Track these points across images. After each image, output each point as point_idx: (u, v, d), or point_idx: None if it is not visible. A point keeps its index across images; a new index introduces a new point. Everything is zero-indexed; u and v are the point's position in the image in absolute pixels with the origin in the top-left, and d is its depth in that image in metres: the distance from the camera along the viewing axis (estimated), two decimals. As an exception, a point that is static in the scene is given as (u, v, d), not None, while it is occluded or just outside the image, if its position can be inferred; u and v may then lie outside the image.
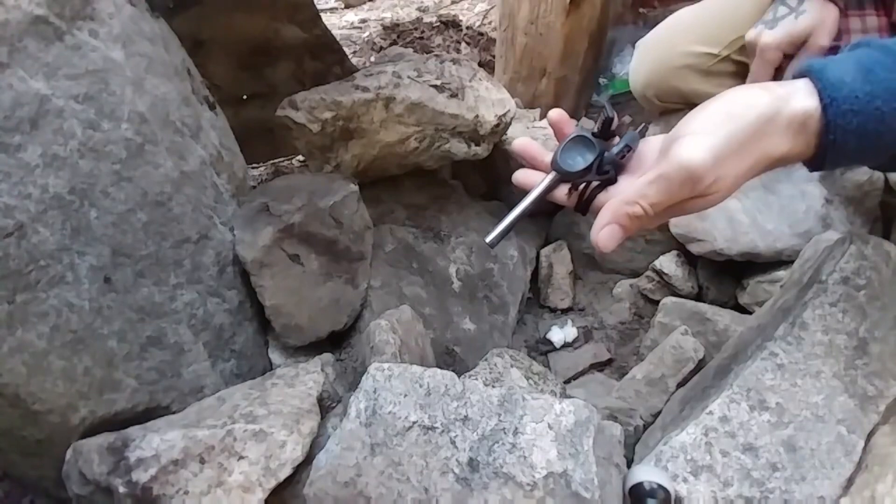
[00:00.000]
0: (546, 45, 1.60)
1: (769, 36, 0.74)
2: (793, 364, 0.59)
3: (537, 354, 1.09)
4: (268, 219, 0.83)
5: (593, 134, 0.55)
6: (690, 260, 1.05)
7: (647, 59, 1.04)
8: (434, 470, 0.56)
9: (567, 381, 1.01)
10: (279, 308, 0.83)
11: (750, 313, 0.79)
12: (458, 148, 1.05)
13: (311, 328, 0.87)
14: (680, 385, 0.79)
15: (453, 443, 0.57)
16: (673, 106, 1.04)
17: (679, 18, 1.03)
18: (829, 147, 0.45)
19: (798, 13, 0.73)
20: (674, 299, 1.03)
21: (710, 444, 0.58)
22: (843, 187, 0.92)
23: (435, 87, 0.99)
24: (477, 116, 1.01)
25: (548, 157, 0.56)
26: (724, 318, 0.95)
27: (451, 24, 2.44)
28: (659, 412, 0.75)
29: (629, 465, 0.61)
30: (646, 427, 0.73)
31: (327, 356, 0.84)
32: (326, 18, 1.80)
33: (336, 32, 1.87)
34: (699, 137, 0.45)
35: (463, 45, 2.34)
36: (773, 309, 0.69)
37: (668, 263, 1.05)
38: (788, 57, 0.74)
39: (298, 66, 1.28)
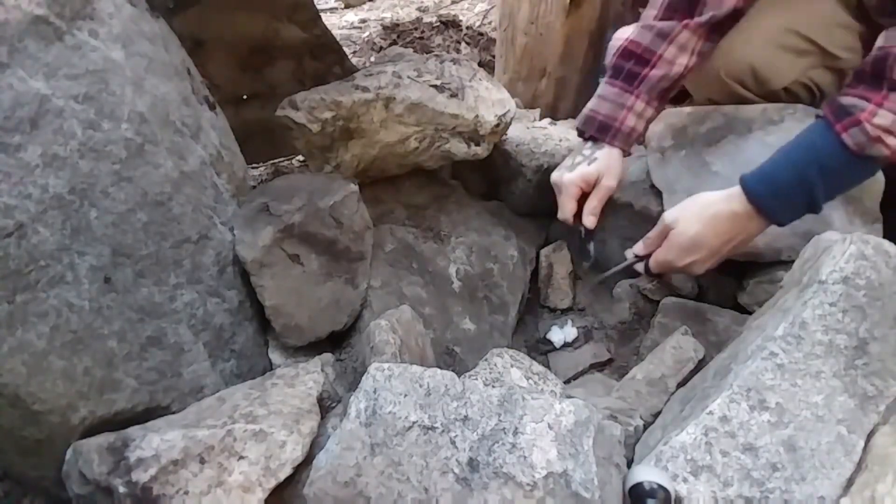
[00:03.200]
0: (546, 45, 1.60)
1: (567, 177, 0.94)
2: (793, 364, 0.59)
3: (537, 354, 1.09)
4: (268, 219, 0.83)
5: None
6: (690, 260, 1.05)
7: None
8: (434, 470, 0.56)
9: (567, 381, 1.01)
10: (279, 308, 0.83)
11: (750, 313, 0.79)
12: (458, 148, 1.05)
13: (311, 328, 0.87)
14: (680, 385, 0.79)
15: (453, 443, 0.57)
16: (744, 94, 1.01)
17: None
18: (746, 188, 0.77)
19: (590, 160, 0.93)
20: (674, 299, 1.03)
21: (710, 444, 0.58)
22: (843, 187, 0.91)
23: (435, 87, 0.99)
24: (477, 116, 1.01)
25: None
26: (724, 318, 0.95)
27: (451, 24, 2.45)
28: (659, 412, 0.75)
29: (629, 465, 0.61)
30: (646, 427, 0.73)
31: (327, 356, 0.84)
32: (326, 18, 1.80)
33: (336, 32, 1.87)
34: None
35: (463, 45, 2.35)
36: (773, 309, 0.69)
37: (668, 263, 1.05)
38: (587, 193, 0.93)
39: (298, 66, 1.28)
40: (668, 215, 0.83)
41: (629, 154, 0.98)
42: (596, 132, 0.94)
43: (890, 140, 0.71)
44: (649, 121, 0.96)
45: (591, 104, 0.97)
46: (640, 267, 0.88)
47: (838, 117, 0.74)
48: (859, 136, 0.72)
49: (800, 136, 0.77)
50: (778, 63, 0.98)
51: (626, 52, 0.94)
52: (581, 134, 0.99)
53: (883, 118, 0.71)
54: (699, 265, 0.82)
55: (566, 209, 0.95)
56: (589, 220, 0.94)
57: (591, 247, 0.98)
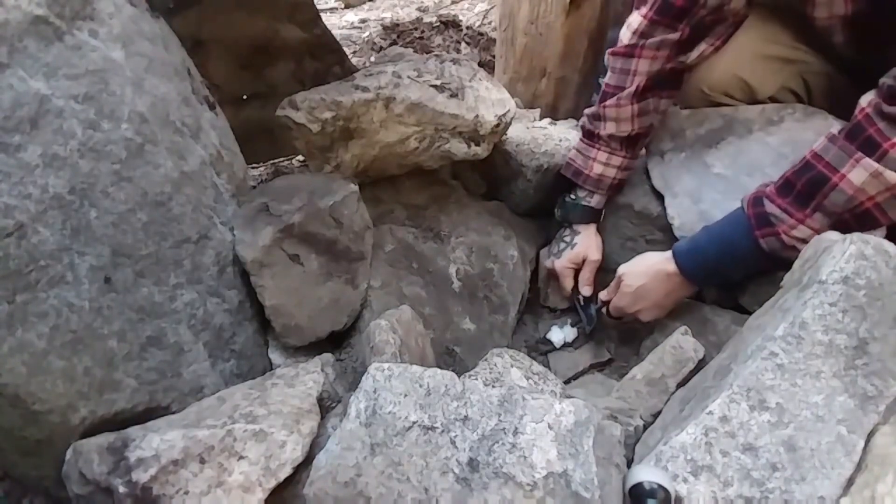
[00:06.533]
0: (546, 45, 1.60)
1: (558, 263, 1.11)
2: (793, 364, 0.59)
3: (537, 354, 1.09)
4: (268, 219, 0.83)
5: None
6: (690, 260, 1.05)
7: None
8: (434, 470, 0.56)
9: (567, 381, 1.01)
10: (279, 308, 0.83)
11: (750, 313, 0.79)
12: (458, 148, 1.05)
13: (311, 328, 0.87)
14: (680, 385, 0.79)
15: (453, 443, 0.57)
16: (720, 100, 1.03)
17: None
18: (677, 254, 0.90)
19: (572, 245, 1.11)
20: (674, 299, 1.03)
21: (710, 444, 0.58)
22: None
23: (435, 87, 0.99)
24: (477, 116, 1.01)
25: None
26: (724, 318, 0.95)
27: (451, 24, 2.45)
28: (659, 412, 0.75)
29: (629, 465, 0.61)
30: (646, 427, 0.73)
31: (327, 356, 0.84)
32: (326, 18, 1.80)
33: (336, 32, 1.87)
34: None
35: (463, 45, 2.35)
36: (773, 309, 0.69)
37: (668, 263, 1.05)
38: (578, 269, 1.11)
39: (298, 66, 1.28)
40: (620, 269, 0.97)
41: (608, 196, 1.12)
42: (572, 176, 1.10)
43: (802, 247, 0.76)
44: (623, 167, 1.07)
45: (570, 153, 1.13)
46: (604, 310, 1.04)
47: (759, 224, 0.80)
48: (775, 244, 0.79)
49: (726, 226, 0.85)
50: (765, 72, 0.98)
51: (590, 114, 1.08)
52: (566, 178, 1.12)
53: (801, 232, 0.76)
54: (646, 312, 0.96)
55: (566, 287, 1.12)
56: (586, 290, 1.10)
57: (592, 309, 1.08)
